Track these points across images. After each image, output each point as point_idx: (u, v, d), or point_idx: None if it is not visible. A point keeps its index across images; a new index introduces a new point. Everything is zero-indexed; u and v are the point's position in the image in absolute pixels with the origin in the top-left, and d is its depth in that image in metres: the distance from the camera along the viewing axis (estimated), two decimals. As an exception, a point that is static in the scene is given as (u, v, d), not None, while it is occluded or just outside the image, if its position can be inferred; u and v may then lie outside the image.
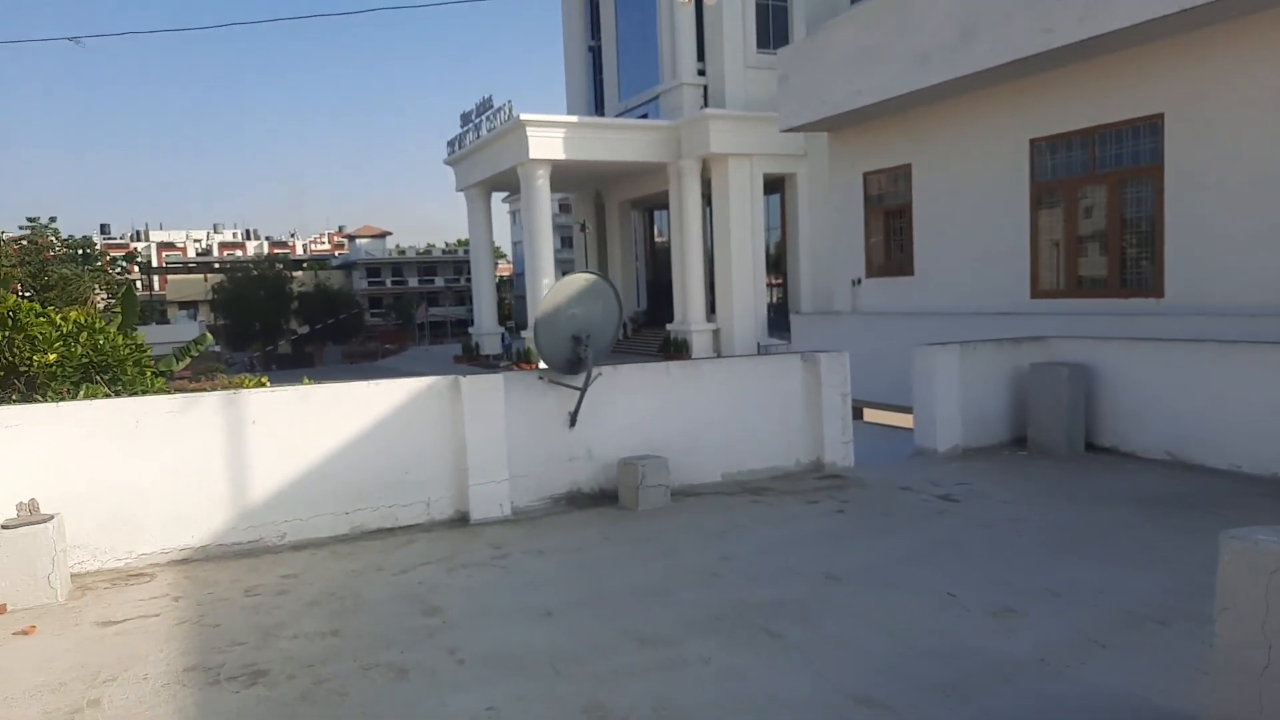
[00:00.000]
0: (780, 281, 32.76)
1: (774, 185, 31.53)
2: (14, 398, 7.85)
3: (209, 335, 13.22)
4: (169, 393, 9.12)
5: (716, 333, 31.35)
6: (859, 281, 14.21)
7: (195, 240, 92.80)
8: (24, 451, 6.26)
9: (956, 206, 12.70)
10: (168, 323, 58.35)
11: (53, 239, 42.00)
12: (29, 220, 40.96)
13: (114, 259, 49.79)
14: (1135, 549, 6.06)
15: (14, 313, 7.83)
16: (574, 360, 7.70)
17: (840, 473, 8.66)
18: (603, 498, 7.95)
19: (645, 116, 33.84)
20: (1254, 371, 7.98)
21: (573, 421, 7.85)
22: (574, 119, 32.10)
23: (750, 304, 30.58)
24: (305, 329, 58.04)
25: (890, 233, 13.72)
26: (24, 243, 41.05)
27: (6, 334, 7.80)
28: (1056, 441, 9.19)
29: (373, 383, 7.28)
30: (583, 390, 7.70)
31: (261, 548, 6.90)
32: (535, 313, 7.15)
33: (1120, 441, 9.11)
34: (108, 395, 8.16)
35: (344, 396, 7.16)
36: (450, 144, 37.25)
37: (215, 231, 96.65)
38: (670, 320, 32.08)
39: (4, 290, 8.03)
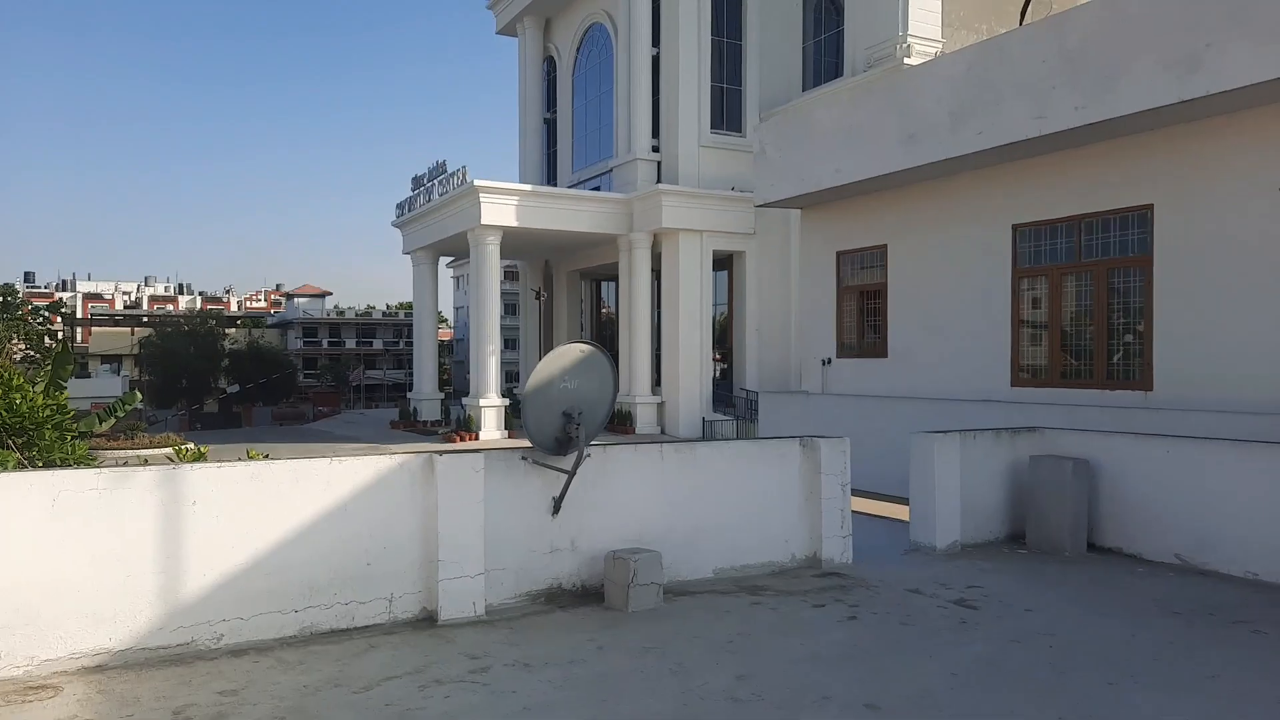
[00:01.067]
0: (723, 358, 32.33)
1: (722, 262, 31.29)
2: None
3: (137, 394, 11.97)
4: (92, 462, 7.97)
5: (661, 405, 30.65)
6: (829, 361, 13.64)
7: (125, 292, 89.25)
8: (-91, 535, 5.11)
9: (935, 289, 12.27)
10: (88, 376, 55.50)
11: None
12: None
13: (35, 308, 47.13)
14: (1197, 672, 5.35)
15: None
16: (563, 439, 6.82)
17: (839, 570, 7.85)
18: (587, 595, 6.99)
19: (598, 189, 33.49)
20: (1273, 473, 7.47)
21: (556, 508, 6.93)
22: (527, 187, 31.57)
23: (696, 378, 30.00)
24: (235, 388, 55.68)
25: (864, 313, 13.23)
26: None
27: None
28: (1059, 540, 8.54)
29: (336, 460, 6.28)
30: (571, 473, 6.80)
31: (194, 652, 5.76)
32: (527, 382, 6.27)
33: (1126, 542, 8.50)
34: (21, 463, 6.99)
35: (302, 475, 6.14)
36: (400, 206, 36.37)
37: (146, 284, 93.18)
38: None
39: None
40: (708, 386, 30.17)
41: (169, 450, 30.80)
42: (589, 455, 6.96)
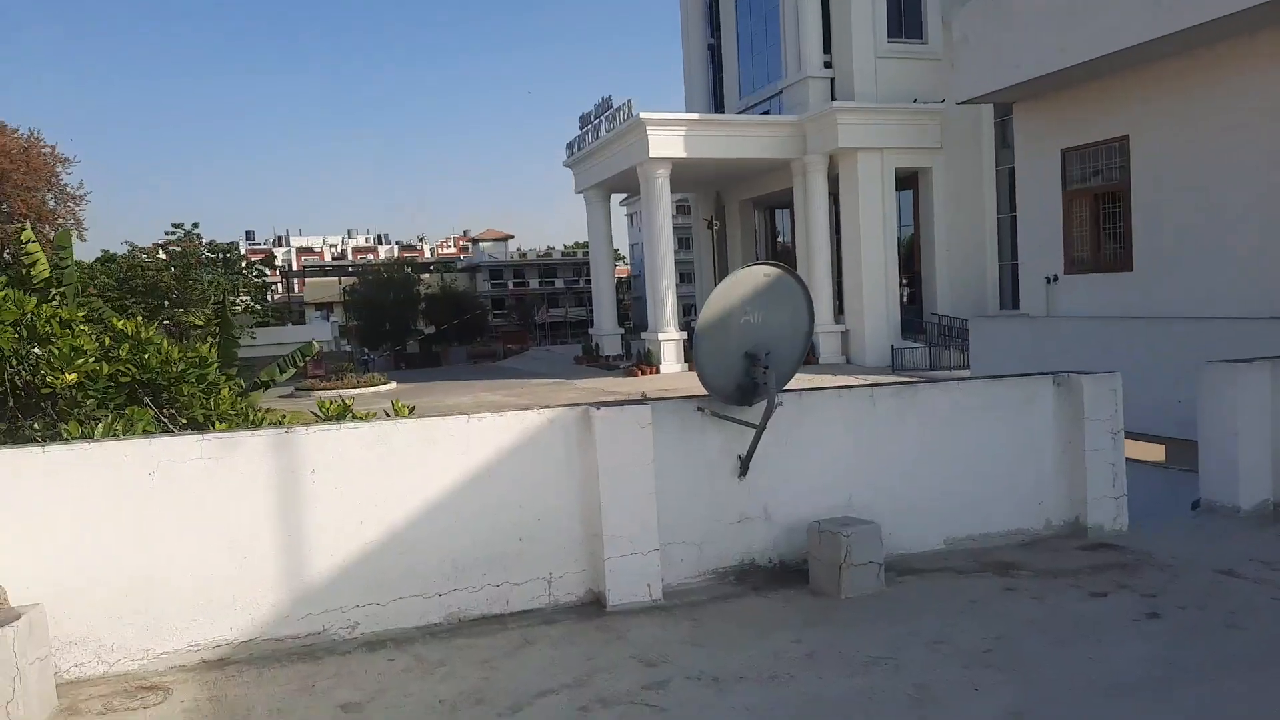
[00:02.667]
0: (910, 282, 29.62)
1: (905, 181, 28.42)
2: (35, 427, 5.97)
3: (316, 344, 11.37)
4: (234, 418, 7.14)
5: (845, 334, 28.52)
6: (1055, 279, 11.34)
7: (331, 245, 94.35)
8: (-10, 517, 4.26)
9: (1197, 187, 9.73)
10: (304, 323, 58.74)
11: (197, 245, 42.11)
12: (174, 226, 41.12)
13: (252, 263, 49.94)
14: None
15: (33, 322, 5.93)
16: (747, 386, 5.30)
17: (1112, 540, 5.97)
18: (786, 574, 5.51)
19: (768, 113, 31.17)
20: None
21: (744, 469, 5.45)
22: (694, 116, 29.74)
23: (882, 305, 27.60)
24: (432, 329, 57.44)
25: (1099, 220, 10.83)
26: (172, 248, 41.24)
27: (25, 347, 5.92)
28: None
29: (475, 417, 5.04)
30: (760, 427, 5.29)
31: (325, 644, 4.73)
32: (699, 318, 4.73)
33: None
34: (158, 420, 6.21)
35: (437, 436, 4.94)
36: (569, 146, 35.41)
37: (349, 236, 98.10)
38: (795, 322, 29.38)
39: (18, 293, 6.12)
40: (895, 312, 27.72)
41: (377, 390, 31.72)
42: (780, 404, 5.41)
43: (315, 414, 6.86)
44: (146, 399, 6.43)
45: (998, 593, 5.11)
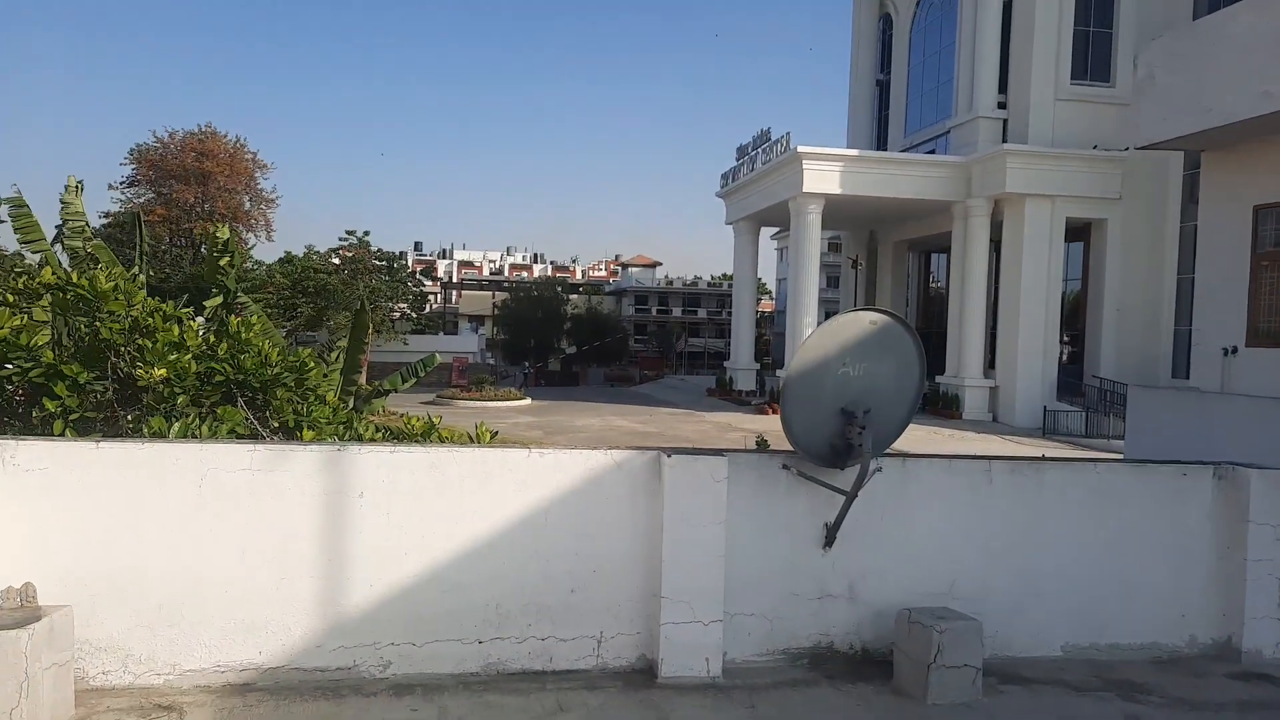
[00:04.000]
0: (1073, 340, 27.57)
1: (1076, 233, 26.53)
2: (128, 420, 6.06)
3: (436, 356, 11.39)
4: (350, 420, 7.11)
5: (994, 390, 26.81)
6: (1234, 350, 10.01)
7: (490, 260, 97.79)
8: (34, 510, 4.22)
9: None
10: (455, 333, 61.02)
11: (366, 252, 44.36)
12: (347, 232, 43.47)
13: (414, 273, 52.33)
14: None
15: (139, 316, 6.03)
16: (840, 447, 4.71)
17: (1270, 670, 4.98)
18: (867, 665, 4.85)
19: (933, 152, 29.93)
20: None
21: (830, 540, 4.85)
22: (853, 152, 28.89)
23: (1038, 362, 25.77)
24: (573, 349, 58.48)
25: (1293, 288, 9.47)
26: (346, 254, 43.61)
27: (129, 341, 6.02)
28: None
29: (536, 452, 4.69)
30: (852, 494, 4.69)
31: (352, 681, 4.46)
32: (790, 365, 4.22)
33: None
34: (248, 421, 6.20)
35: (493, 469, 4.61)
36: (724, 176, 35.21)
37: (508, 253, 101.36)
38: (940, 372, 27.83)
39: (129, 284, 6.25)
40: (1052, 371, 25.84)
41: (511, 405, 32.33)
42: (878, 469, 4.80)
43: (470, 437, 6.70)
44: (240, 400, 6.45)
45: (1119, 722, 4.29)
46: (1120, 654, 5.08)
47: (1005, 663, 4.91)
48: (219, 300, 7.44)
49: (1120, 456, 10.42)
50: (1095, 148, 25.58)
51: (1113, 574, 5.10)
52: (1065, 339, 27.15)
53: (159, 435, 5.23)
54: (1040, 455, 10.04)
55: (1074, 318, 27.22)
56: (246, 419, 6.41)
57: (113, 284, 6.10)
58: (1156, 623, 5.12)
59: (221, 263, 8.76)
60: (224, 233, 9.36)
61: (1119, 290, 25.69)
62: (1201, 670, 4.97)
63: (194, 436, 5.43)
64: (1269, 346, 9.66)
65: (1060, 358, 26.60)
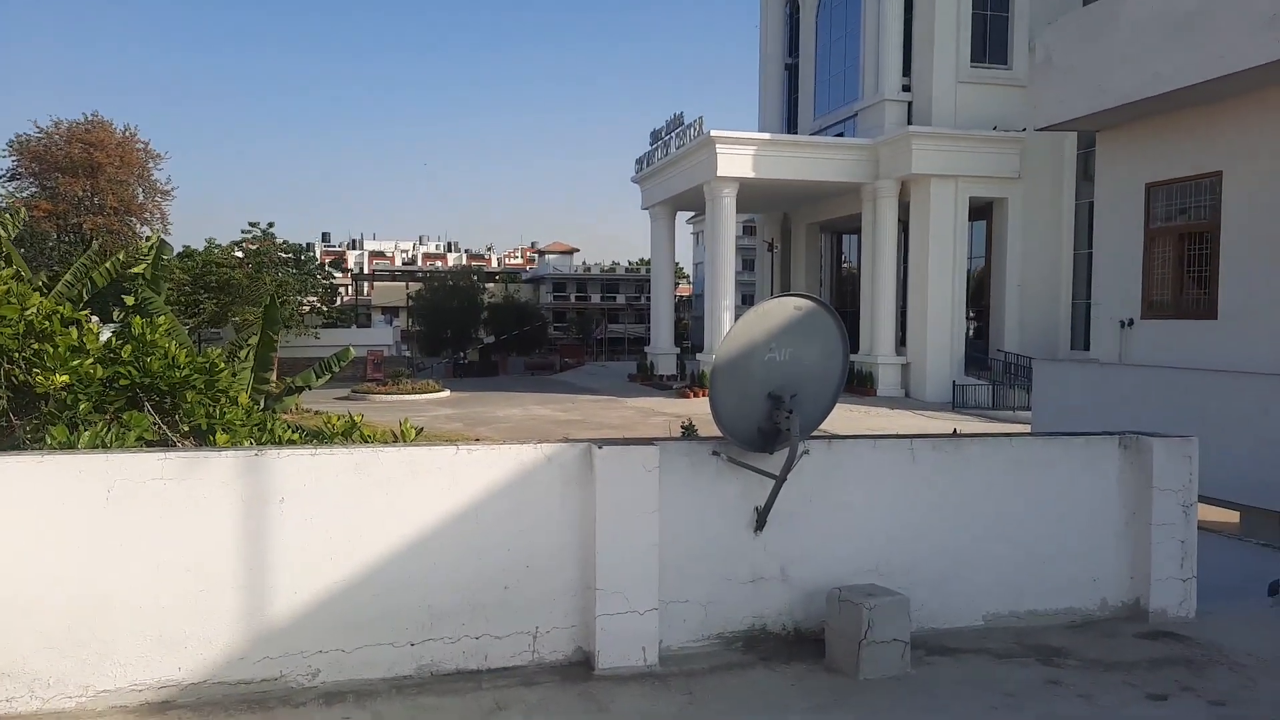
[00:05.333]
0: (978, 316, 28.58)
1: (979, 212, 27.46)
2: (25, 431, 5.73)
3: (351, 350, 11.11)
4: (265, 423, 6.86)
5: (906, 366, 27.63)
6: (1130, 323, 10.50)
7: (403, 250, 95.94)
8: (-73, 531, 3.95)
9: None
10: (369, 326, 59.70)
11: (271, 244, 42.93)
12: (250, 224, 42.02)
13: (323, 265, 50.90)
14: None
15: (33, 320, 5.69)
16: (769, 431, 4.76)
17: (1176, 629, 5.25)
18: (800, 644, 4.93)
19: (841, 135, 30.53)
20: None
21: (760, 523, 4.90)
22: (765, 136, 29.28)
23: (946, 338, 26.64)
24: (492, 339, 57.86)
25: (1184, 262, 9.98)
26: (248, 247, 42.12)
27: (23, 347, 5.68)
28: None
29: (464, 448, 4.60)
30: (780, 477, 4.74)
31: (280, 691, 4.32)
32: (718, 352, 4.21)
33: None
34: (155, 427, 5.93)
35: (421, 468, 4.51)
36: (639, 161, 35.26)
37: (421, 243, 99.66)
38: (855, 351, 28.51)
39: (22, 287, 5.90)
40: (959, 347, 26.76)
41: (430, 397, 31.79)
42: (806, 452, 4.87)
43: (395, 435, 6.54)
44: (147, 404, 6.17)
45: (1040, 685, 4.45)
46: (1038, 620, 5.29)
47: (930, 634, 5.05)
48: (131, 301, 7.12)
49: (1028, 428, 10.83)
50: (995, 129, 26.48)
51: (1029, 543, 5.29)
52: (971, 315, 28.12)
53: (68, 446, 4.95)
54: (953, 430, 10.37)
55: (979, 294, 28.21)
56: (155, 424, 6.13)
57: (3, 286, 5.74)
58: (1071, 588, 5.35)
59: (139, 269, 8.36)
60: (152, 240, 9.05)
61: (1020, 267, 26.70)
62: (1113, 631, 5.21)
63: (103, 445, 5.16)
64: (1162, 317, 10.16)
65: (967, 333, 27.55)
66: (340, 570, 4.41)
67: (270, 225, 42.40)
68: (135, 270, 8.30)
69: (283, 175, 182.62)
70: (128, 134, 39.85)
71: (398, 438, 6.76)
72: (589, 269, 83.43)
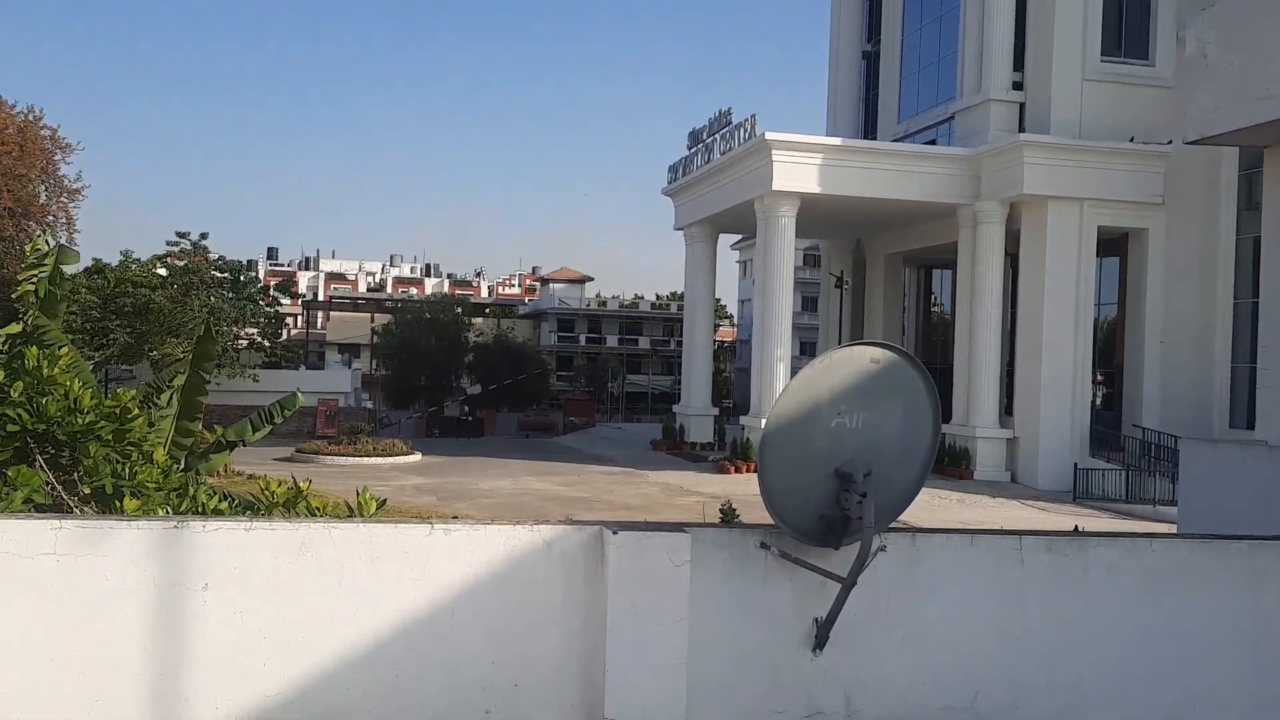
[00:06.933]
0: (1108, 380, 28.44)
1: (1111, 245, 27.45)
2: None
3: (299, 396, 11.22)
4: (185, 487, 6.94)
5: (1012, 442, 27.45)
6: (1310, 396, 10.39)
7: (369, 273, 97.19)
8: None
9: None
10: (321, 368, 60.24)
11: (204, 260, 43.64)
12: (178, 235, 42.62)
13: (267, 288, 51.61)
14: None
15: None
16: (834, 519, 4.74)
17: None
18: (870, 801, 4.85)
19: (933, 143, 30.78)
20: None
21: (821, 640, 4.85)
22: (835, 141, 29.60)
23: (1066, 408, 26.49)
24: (477, 389, 58.14)
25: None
26: (176, 263, 42.75)
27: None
28: None
29: (441, 527, 4.62)
30: (849, 580, 4.71)
31: (191, 836, 4.30)
32: (770, 414, 4.26)
33: None
34: (41, 491, 5.99)
35: (383, 551, 4.52)
36: (672, 169, 35.63)
37: (392, 264, 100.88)
38: (947, 420, 28.35)
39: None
40: (1083, 419, 26.55)
41: (397, 461, 31.93)
42: (883, 548, 4.83)
43: (350, 508, 6.59)
44: (39, 458, 6.25)
45: None
46: (1187, 783, 5.17)
47: (1043, 795, 4.96)
48: (16, 328, 7.26)
49: (1173, 528, 10.71)
50: (1132, 140, 26.57)
51: (1174, 676, 5.20)
52: (1099, 379, 27.96)
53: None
54: (1074, 528, 10.24)
55: (1109, 352, 28.08)
56: (48, 484, 6.22)
57: None
58: (1229, 737, 5.23)
59: (26, 285, 8.53)
60: (41, 244, 9.20)
61: (1163, 318, 26.57)
62: (1284, 800, 5.08)
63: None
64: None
65: (1093, 403, 27.36)
66: (274, 679, 4.41)
67: (203, 237, 43.05)
68: (25, 288, 8.44)
69: (224, 178, 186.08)
70: (30, 117, 40.74)
71: (354, 511, 6.80)
72: (604, 303, 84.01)
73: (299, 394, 11.03)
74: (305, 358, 61.46)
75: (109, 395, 6.91)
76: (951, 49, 30.89)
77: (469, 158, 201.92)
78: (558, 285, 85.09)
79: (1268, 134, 10.66)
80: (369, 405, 49.70)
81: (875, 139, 33.76)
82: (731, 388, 62.44)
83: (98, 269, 41.17)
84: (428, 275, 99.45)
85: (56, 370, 6.43)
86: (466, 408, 56.28)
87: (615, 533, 4.62)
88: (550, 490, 25.02)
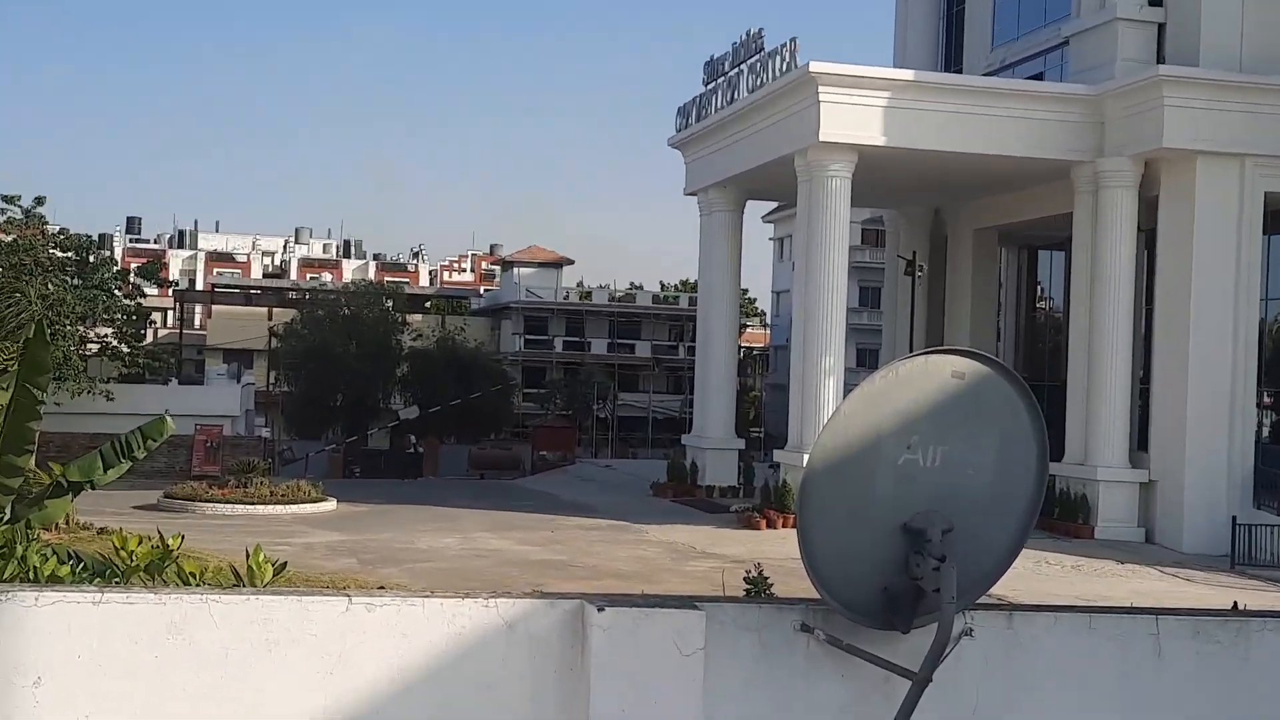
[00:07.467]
0: (1276, 404, 28.61)
1: (1280, 218, 27.64)
2: None
3: (168, 420, 11.32)
4: (12, 542, 7.04)
5: (1148, 488, 27.52)
6: None
7: (265, 252, 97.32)
8: None
9: None
10: (200, 382, 60.28)
11: (40, 233, 43.79)
12: (3, 200, 42.61)
13: (123, 271, 51.73)
14: None
15: None
16: (901, 592, 4.84)
17: None
18: None
19: (1040, 78, 30.98)
20: None
21: (885, 757, 4.92)
22: (904, 75, 29.82)
23: (1222, 440, 26.62)
24: (415, 412, 58.15)
25: None
26: (-1, 238, 42.88)
27: None
28: None
29: (363, 602, 4.69)
30: (922, 675, 4.79)
31: None
32: (814, 447, 4.35)
33: None
34: None
35: (283, 634, 4.60)
36: (682, 113, 35.76)
37: (297, 240, 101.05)
38: (1057, 458, 28.40)
39: None
40: (1245, 458, 26.69)
41: (304, 510, 32.04)
42: (968, 632, 4.89)
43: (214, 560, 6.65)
44: None
45: None
46: None
47: None
48: None
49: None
50: (1313, 76, 26.78)
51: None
52: (1267, 401, 28.07)
53: None
54: (1233, 604, 10.30)
55: (1279, 363, 28.21)
56: None
57: None
58: None
59: None
60: None
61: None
62: None
63: None
64: None
65: (1258, 435, 27.46)
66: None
67: (38, 202, 43.18)
68: None
69: (67, 125, 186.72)
70: None
71: (243, 579, 6.86)
72: (589, 294, 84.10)
73: (168, 418, 11.12)
74: (178, 368, 61.77)
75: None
76: (1063, -49, 31.16)
77: (398, 93, 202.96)
78: (525, 270, 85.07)
79: None
80: (265, 434, 49.93)
81: (960, 73, 33.97)
82: (762, 411, 62.75)
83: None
84: (346, 256, 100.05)
85: None
86: (404, 438, 56.39)
87: (601, 609, 4.67)
88: (513, 551, 25.10)
